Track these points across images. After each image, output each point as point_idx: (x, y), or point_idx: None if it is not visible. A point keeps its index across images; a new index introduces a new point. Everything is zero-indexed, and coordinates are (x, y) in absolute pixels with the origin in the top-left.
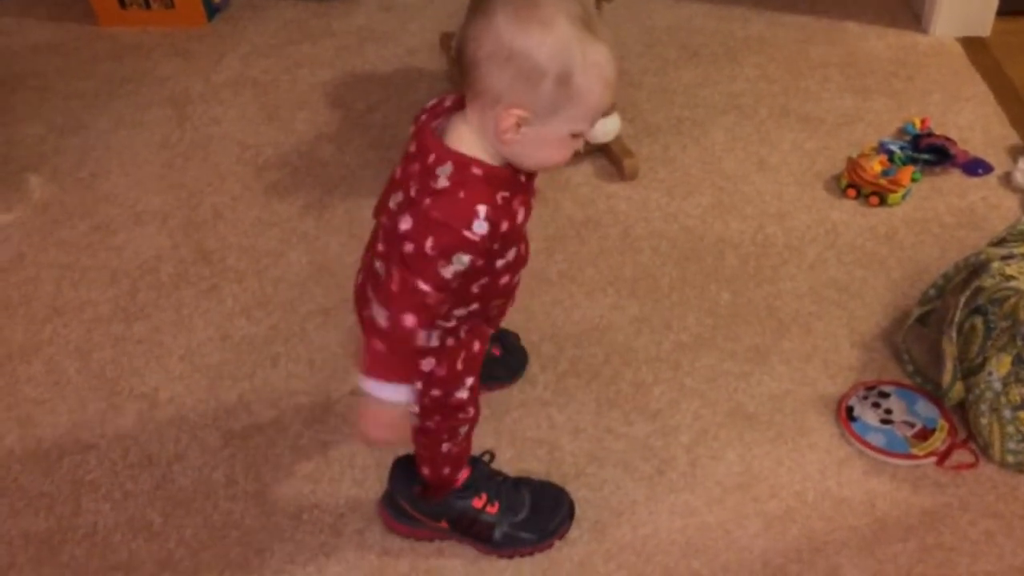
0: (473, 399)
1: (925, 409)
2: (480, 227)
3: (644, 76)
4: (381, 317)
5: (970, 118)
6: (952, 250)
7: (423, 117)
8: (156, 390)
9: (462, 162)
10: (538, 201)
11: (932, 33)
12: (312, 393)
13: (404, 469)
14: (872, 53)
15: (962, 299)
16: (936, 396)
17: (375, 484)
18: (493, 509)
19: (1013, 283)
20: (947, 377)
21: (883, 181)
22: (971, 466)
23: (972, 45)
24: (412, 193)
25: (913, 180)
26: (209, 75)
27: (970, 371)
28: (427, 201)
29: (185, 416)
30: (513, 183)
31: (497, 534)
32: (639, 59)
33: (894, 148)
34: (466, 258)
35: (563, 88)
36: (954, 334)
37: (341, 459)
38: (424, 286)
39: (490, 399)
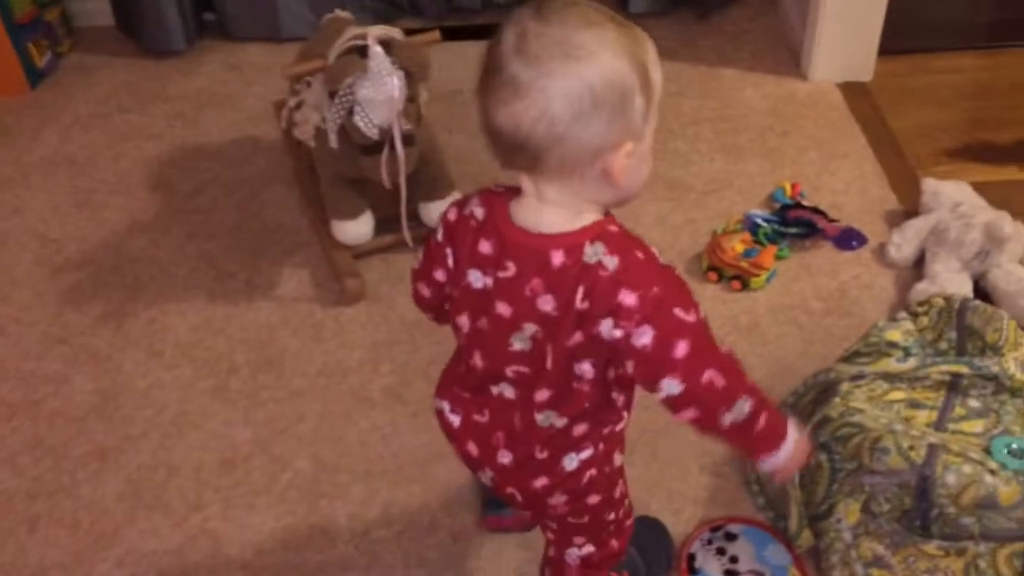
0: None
1: (776, 555)
2: (663, 259)
3: None
4: (743, 408)
5: (846, 179)
6: (818, 343)
7: (481, 240)
8: None
9: (599, 232)
10: (368, 299)
11: (811, 79)
12: (69, 567)
13: None
14: (747, 105)
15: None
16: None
17: None
18: None
19: (857, 417)
20: (793, 523)
21: (744, 264)
22: None
23: (853, 91)
24: (580, 304)
25: (780, 258)
26: (21, 155)
27: (817, 516)
28: (627, 296)
29: None
30: None
31: None
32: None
33: (760, 221)
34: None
35: (646, 91)
36: (796, 476)
37: None
38: (713, 339)
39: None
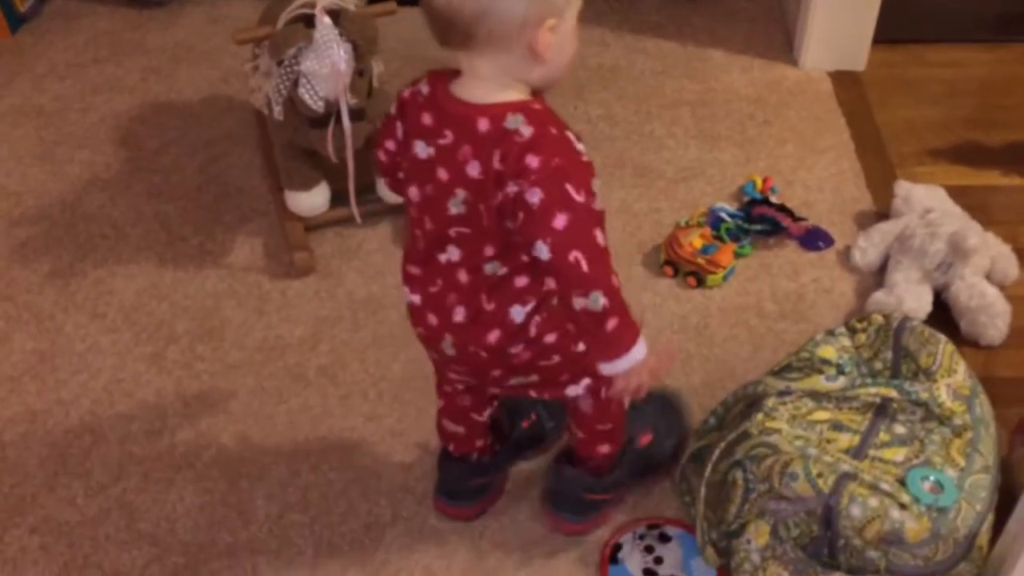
0: None
1: (702, 567)
2: (582, 147)
3: None
4: (596, 301)
5: (822, 175)
6: (766, 348)
7: (424, 113)
8: None
9: (522, 106)
10: (318, 272)
11: (802, 66)
12: None
13: (568, 471)
14: (732, 89)
15: (716, 452)
16: None
17: None
18: (648, 438)
19: (773, 438)
20: (698, 539)
21: (701, 260)
22: None
23: (844, 81)
24: (497, 165)
25: (740, 255)
26: None
27: (730, 534)
28: (532, 159)
29: None
30: None
31: (661, 453)
32: None
33: (724, 216)
34: (598, 182)
35: None
36: (703, 491)
37: None
38: (599, 234)
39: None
